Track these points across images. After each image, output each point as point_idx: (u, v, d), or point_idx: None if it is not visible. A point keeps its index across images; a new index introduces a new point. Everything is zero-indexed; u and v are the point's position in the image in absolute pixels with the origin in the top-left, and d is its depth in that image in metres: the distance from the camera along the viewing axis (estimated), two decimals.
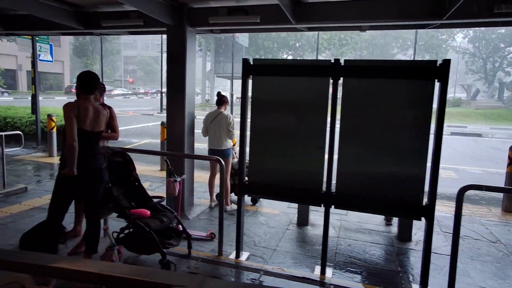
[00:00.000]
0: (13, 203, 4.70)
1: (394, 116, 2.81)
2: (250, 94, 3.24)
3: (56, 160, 7.75)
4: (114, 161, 3.28)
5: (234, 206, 4.90)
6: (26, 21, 5.39)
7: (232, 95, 22.70)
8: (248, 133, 3.20)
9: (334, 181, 3.00)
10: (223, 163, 3.34)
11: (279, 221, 4.50)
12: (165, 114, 4.64)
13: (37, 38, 8.23)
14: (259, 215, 4.71)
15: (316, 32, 31.28)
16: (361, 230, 4.26)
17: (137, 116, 19.68)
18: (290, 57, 35.31)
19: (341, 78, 2.86)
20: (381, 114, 2.84)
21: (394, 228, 4.34)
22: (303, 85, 3.04)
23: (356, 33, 33.42)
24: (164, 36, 5.35)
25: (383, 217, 4.68)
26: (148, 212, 3.22)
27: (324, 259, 3.04)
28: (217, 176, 5.03)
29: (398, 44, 40.91)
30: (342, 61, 2.85)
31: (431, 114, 2.66)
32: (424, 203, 2.75)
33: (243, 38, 28.75)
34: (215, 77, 33.23)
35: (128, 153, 3.50)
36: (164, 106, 23.78)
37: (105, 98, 3.83)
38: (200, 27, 4.43)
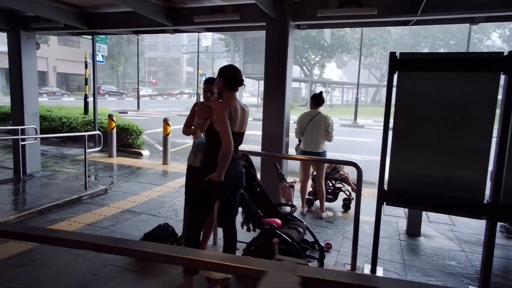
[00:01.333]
0: (101, 205, 4.54)
1: None
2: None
3: (116, 160, 7.66)
4: None
5: (330, 213, 4.59)
6: (105, 19, 5.27)
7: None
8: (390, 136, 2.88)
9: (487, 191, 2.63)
10: (360, 168, 3.03)
11: (385, 231, 4.14)
12: None
13: (97, 38, 8.19)
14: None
15: (347, 32, 30.64)
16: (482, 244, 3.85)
17: (173, 117, 19.59)
18: (317, 58, 34.74)
19: None
20: None
21: None
22: (463, 82, 2.69)
23: (386, 32, 32.60)
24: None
25: (498, 227, 4.26)
26: (280, 222, 2.95)
27: (487, 282, 2.67)
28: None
29: (428, 44, 39.59)
30: None
31: None
32: None
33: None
34: (244, 78, 32.85)
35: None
36: None
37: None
38: (303, 21, 4.15)
